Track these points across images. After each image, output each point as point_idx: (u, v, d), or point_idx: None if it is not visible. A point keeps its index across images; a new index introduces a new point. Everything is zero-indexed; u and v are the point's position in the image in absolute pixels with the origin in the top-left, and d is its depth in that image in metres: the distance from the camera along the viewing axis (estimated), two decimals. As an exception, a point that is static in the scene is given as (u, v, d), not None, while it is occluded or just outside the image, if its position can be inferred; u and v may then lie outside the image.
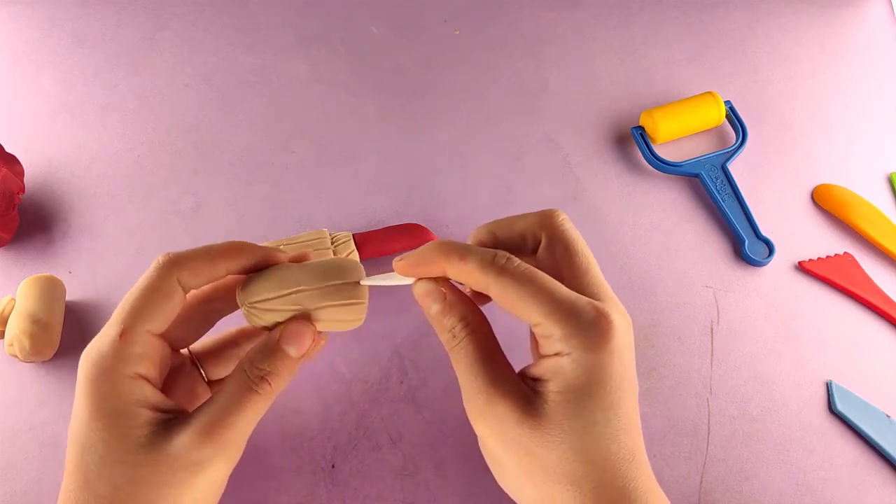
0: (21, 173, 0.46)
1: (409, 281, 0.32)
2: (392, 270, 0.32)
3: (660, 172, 0.50)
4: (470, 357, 0.30)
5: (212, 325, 0.34)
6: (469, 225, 0.47)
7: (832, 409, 0.41)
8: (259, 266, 0.32)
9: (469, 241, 0.33)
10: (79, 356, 0.39)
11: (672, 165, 0.49)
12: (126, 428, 0.28)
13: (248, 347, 0.35)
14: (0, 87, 0.52)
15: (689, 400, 0.42)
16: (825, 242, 0.47)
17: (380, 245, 0.44)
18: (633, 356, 0.30)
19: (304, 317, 0.31)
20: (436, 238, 0.45)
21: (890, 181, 0.50)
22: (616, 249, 0.47)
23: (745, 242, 0.46)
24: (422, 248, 0.30)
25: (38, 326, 0.39)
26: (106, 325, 0.30)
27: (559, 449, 0.27)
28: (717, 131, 0.52)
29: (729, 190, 0.48)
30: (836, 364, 0.43)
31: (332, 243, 0.43)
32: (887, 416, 0.41)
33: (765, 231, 0.47)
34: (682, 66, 0.55)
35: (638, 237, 0.47)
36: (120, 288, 0.44)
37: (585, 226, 0.47)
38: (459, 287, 0.32)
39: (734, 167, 0.49)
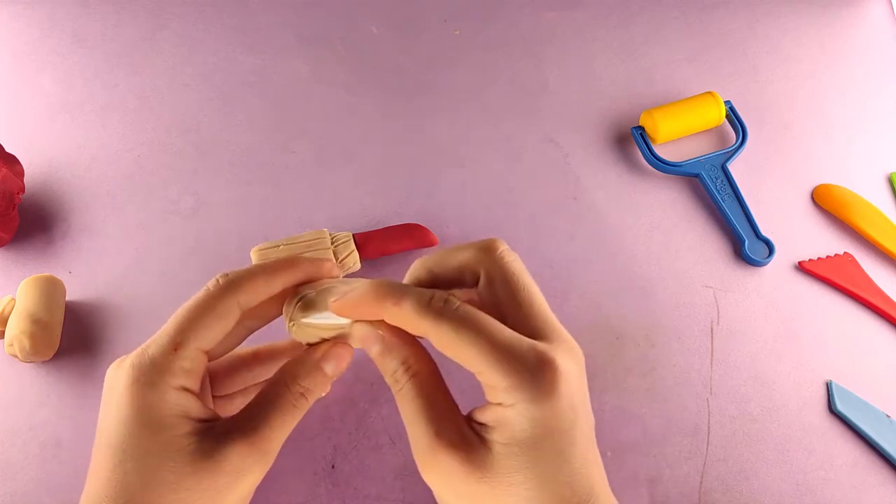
0: (21, 173, 0.46)
1: (346, 322, 0.31)
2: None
3: (660, 172, 0.50)
4: (413, 404, 0.29)
5: (244, 340, 0.35)
6: (469, 225, 0.47)
7: (832, 409, 0.41)
8: (313, 279, 0.33)
9: (407, 279, 0.32)
10: (79, 356, 0.39)
11: (672, 165, 0.49)
12: (172, 437, 0.29)
13: (258, 370, 0.36)
14: (0, 87, 0.52)
15: (689, 400, 0.42)
16: (825, 242, 0.47)
17: (380, 245, 0.44)
18: (584, 394, 0.28)
19: (344, 338, 0.32)
20: (436, 238, 0.45)
21: (890, 181, 0.50)
22: (616, 249, 0.47)
23: (745, 242, 0.46)
24: (359, 288, 0.29)
25: (38, 326, 0.39)
26: (158, 335, 0.30)
27: (509, 502, 0.26)
28: (717, 131, 0.52)
29: (729, 190, 0.48)
30: (836, 364, 0.43)
31: (332, 243, 0.43)
32: (887, 416, 0.41)
33: (765, 231, 0.47)
34: (682, 66, 0.55)
35: (638, 237, 0.47)
36: (120, 288, 0.44)
37: (585, 226, 0.47)
38: None
39: (734, 167, 0.49)
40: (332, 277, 0.34)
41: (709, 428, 0.41)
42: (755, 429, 0.41)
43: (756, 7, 0.58)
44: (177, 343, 0.30)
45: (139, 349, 0.30)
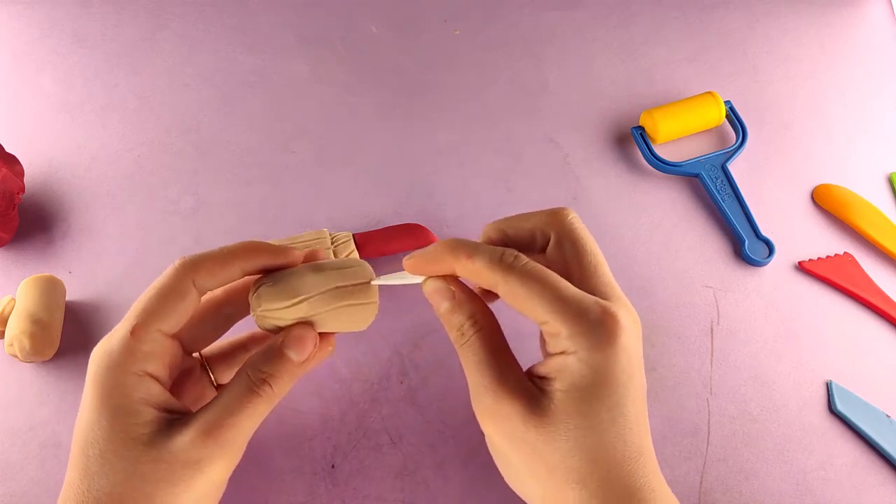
0: (21, 173, 0.46)
1: (419, 279, 0.32)
2: (400, 270, 0.32)
3: (660, 172, 0.50)
4: (478, 355, 0.30)
5: (226, 329, 0.35)
6: (469, 225, 0.47)
7: (832, 409, 0.41)
8: (274, 266, 0.33)
9: (480, 239, 0.33)
10: (79, 356, 0.39)
11: (672, 165, 0.49)
12: (129, 424, 0.29)
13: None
14: (0, 87, 0.52)
15: (689, 400, 0.42)
16: (825, 242, 0.47)
17: (380, 245, 0.44)
18: (640, 355, 0.30)
19: (308, 322, 0.32)
20: (436, 238, 0.45)
21: (890, 181, 0.50)
22: (616, 249, 0.47)
23: (745, 242, 0.46)
24: (431, 246, 0.31)
25: (38, 326, 0.39)
26: (119, 324, 0.30)
27: (564, 448, 0.27)
28: (717, 131, 0.52)
29: (729, 190, 0.48)
30: (836, 364, 0.43)
31: (332, 243, 0.43)
32: (887, 416, 0.41)
33: (765, 231, 0.47)
34: (682, 66, 0.55)
35: (638, 237, 0.47)
36: (120, 288, 0.44)
37: (585, 225, 0.47)
38: (469, 285, 0.32)
39: (734, 167, 0.49)
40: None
41: (709, 428, 0.41)
42: (755, 429, 0.41)
43: (756, 7, 0.58)
44: (135, 326, 0.30)
45: (104, 337, 0.30)
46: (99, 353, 0.30)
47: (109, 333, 0.30)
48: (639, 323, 0.30)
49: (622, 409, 0.28)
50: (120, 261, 0.45)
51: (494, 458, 0.33)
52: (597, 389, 0.27)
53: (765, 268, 0.46)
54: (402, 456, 0.39)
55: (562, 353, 0.28)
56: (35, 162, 0.48)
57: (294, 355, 0.31)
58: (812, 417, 0.41)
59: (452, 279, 0.31)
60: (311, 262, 0.34)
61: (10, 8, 0.56)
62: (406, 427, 0.40)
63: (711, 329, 0.44)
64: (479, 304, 0.31)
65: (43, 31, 0.55)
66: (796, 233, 0.48)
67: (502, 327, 0.31)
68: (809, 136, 0.52)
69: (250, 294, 0.32)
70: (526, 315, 0.29)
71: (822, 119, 0.53)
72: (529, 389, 0.29)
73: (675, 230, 0.48)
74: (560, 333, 0.28)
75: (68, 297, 0.43)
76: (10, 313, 0.40)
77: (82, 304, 0.43)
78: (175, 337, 0.32)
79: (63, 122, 0.50)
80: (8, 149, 0.46)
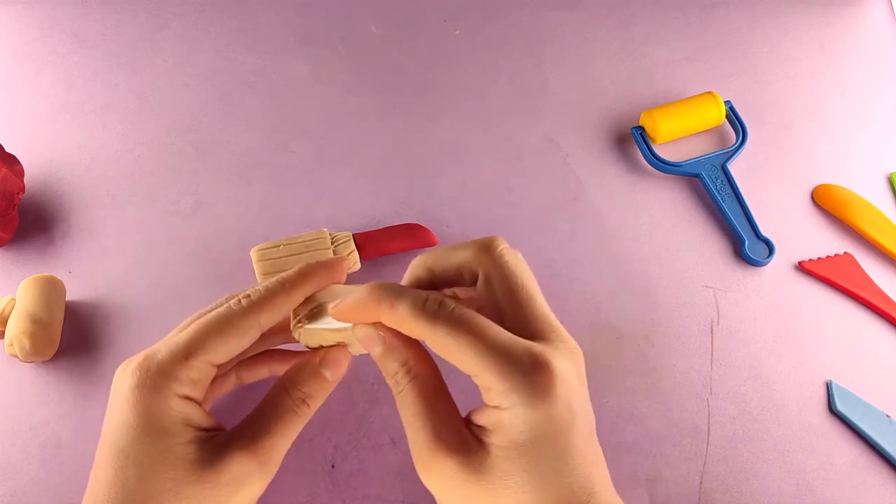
0: (21, 173, 0.46)
1: (348, 325, 0.31)
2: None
3: (660, 172, 0.50)
4: (413, 406, 0.29)
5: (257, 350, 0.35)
6: (469, 225, 0.47)
7: (832, 409, 0.41)
8: (330, 283, 0.33)
9: (406, 278, 0.32)
10: (79, 356, 0.39)
11: (672, 165, 0.49)
12: (172, 444, 0.29)
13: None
14: (0, 87, 0.52)
15: (689, 400, 0.42)
16: (825, 242, 0.47)
17: (380, 245, 0.44)
18: (582, 393, 0.28)
19: (344, 343, 0.32)
20: (436, 239, 0.45)
21: (890, 181, 0.50)
22: (616, 249, 0.47)
23: (745, 242, 0.46)
24: (357, 292, 0.29)
25: (38, 326, 0.39)
26: (170, 340, 0.30)
27: (507, 503, 0.26)
28: (717, 131, 0.52)
29: (729, 190, 0.48)
30: (836, 364, 0.43)
31: (332, 243, 0.44)
32: (887, 416, 0.41)
33: (765, 231, 0.47)
34: (682, 66, 0.55)
35: (638, 237, 0.47)
36: (120, 288, 0.44)
37: (585, 226, 0.47)
38: None
39: (734, 167, 0.49)
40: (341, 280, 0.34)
41: (709, 428, 0.41)
42: (755, 429, 0.41)
43: (756, 7, 0.58)
44: (189, 353, 0.29)
45: (147, 352, 0.30)
46: (142, 371, 0.29)
47: (153, 349, 0.30)
48: (580, 358, 0.29)
49: (565, 459, 0.26)
50: (120, 261, 0.45)
51: None
52: (536, 444, 0.26)
53: (765, 268, 0.46)
54: (402, 456, 0.39)
55: (497, 407, 0.27)
56: (35, 162, 0.48)
57: (330, 376, 0.32)
58: (812, 417, 0.41)
59: (382, 324, 0.30)
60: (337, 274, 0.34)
61: (10, 8, 0.56)
62: (406, 427, 0.40)
63: (711, 329, 0.44)
64: (413, 350, 0.29)
65: (43, 31, 0.55)
66: (796, 233, 0.48)
67: None
68: (809, 136, 0.52)
69: (294, 310, 0.32)
70: (456, 366, 0.27)
71: (822, 119, 0.53)
72: (467, 443, 0.27)
73: (675, 230, 0.48)
74: (492, 388, 0.26)
75: (68, 297, 0.43)
76: (10, 313, 0.40)
77: (82, 304, 0.43)
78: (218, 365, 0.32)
79: (63, 122, 0.50)
80: (8, 149, 0.46)
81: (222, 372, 0.34)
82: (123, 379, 0.30)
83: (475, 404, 0.29)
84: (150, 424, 0.29)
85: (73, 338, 0.42)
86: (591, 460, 0.28)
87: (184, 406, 0.29)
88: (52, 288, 0.41)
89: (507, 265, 0.30)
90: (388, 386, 0.30)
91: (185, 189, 0.48)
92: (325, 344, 0.33)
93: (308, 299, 0.32)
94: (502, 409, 0.26)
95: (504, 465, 0.26)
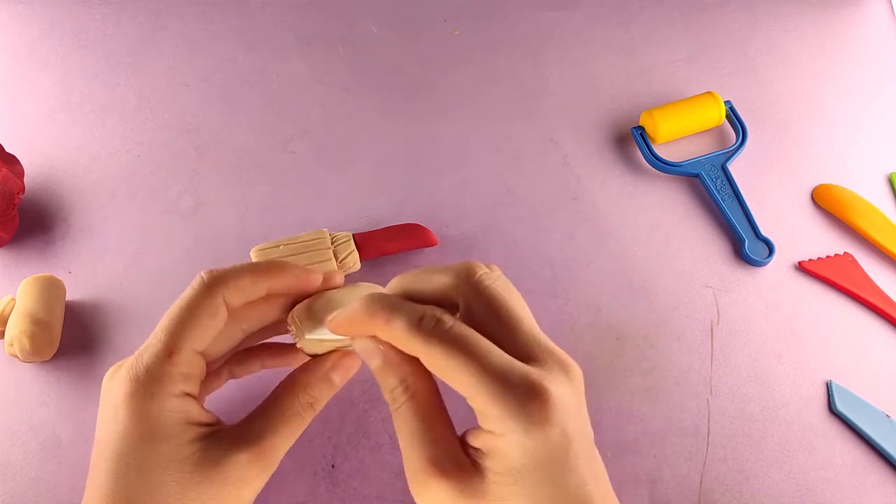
0: (21, 173, 0.46)
1: (348, 339, 0.30)
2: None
3: (660, 172, 0.50)
4: (409, 424, 0.28)
5: (240, 340, 0.35)
6: (469, 225, 0.47)
7: (832, 409, 0.41)
8: (297, 288, 0.33)
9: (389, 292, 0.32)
10: (79, 356, 0.39)
11: (672, 165, 0.49)
12: (175, 447, 0.29)
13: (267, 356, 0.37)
14: (0, 87, 0.52)
15: (689, 400, 0.42)
16: (825, 242, 0.47)
17: (380, 245, 0.44)
18: (579, 414, 0.27)
19: (351, 350, 0.33)
20: (436, 239, 0.45)
21: (890, 181, 0.50)
22: (616, 249, 0.47)
23: (745, 242, 0.46)
24: (354, 305, 0.28)
25: (38, 326, 0.39)
26: (150, 342, 0.30)
27: None
28: (717, 131, 0.52)
29: (729, 190, 0.48)
30: (836, 364, 0.43)
31: (332, 243, 0.43)
32: (887, 416, 0.41)
33: (765, 231, 0.47)
34: (682, 66, 0.55)
35: (638, 237, 0.47)
36: (120, 288, 0.44)
37: (585, 226, 0.47)
38: None
39: (734, 167, 0.49)
40: (333, 286, 0.34)
41: (709, 428, 0.41)
42: (755, 429, 0.41)
43: (756, 7, 0.58)
44: (171, 349, 0.29)
45: (133, 358, 0.30)
46: (132, 379, 0.29)
47: (138, 354, 0.30)
48: (577, 376, 0.28)
49: (560, 484, 0.26)
50: (120, 261, 0.45)
51: None
52: (532, 471, 0.25)
53: (765, 268, 0.46)
54: (401, 456, 0.39)
55: (491, 432, 0.26)
56: (35, 162, 0.48)
57: (338, 380, 0.33)
58: (812, 417, 0.41)
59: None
60: (331, 286, 0.34)
61: (10, 8, 0.56)
62: (406, 427, 0.40)
63: (711, 329, 0.44)
64: (412, 366, 0.28)
65: (43, 31, 0.55)
66: (796, 233, 0.48)
67: None
68: (809, 136, 0.52)
69: (291, 318, 0.32)
70: (451, 386, 0.27)
71: (822, 119, 0.53)
72: (462, 467, 0.27)
73: (675, 230, 0.48)
74: (487, 413, 0.26)
75: (68, 297, 0.43)
76: (10, 313, 0.40)
77: (82, 304, 0.43)
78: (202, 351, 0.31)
79: (63, 122, 0.50)
80: (8, 149, 0.46)
81: (213, 368, 0.33)
82: (114, 388, 0.29)
83: (474, 421, 0.28)
84: (151, 430, 0.28)
85: (73, 338, 0.42)
86: (588, 479, 0.27)
87: (182, 404, 0.29)
88: (52, 288, 0.41)
89: (488, 291, 0.28)
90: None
91: (185, 189, 0.48)
92: (324, 351, 0.33)
93: (308, 308, 0.32)
94: (497, 435, 0.26)
95: (500, 490, 0.26)
